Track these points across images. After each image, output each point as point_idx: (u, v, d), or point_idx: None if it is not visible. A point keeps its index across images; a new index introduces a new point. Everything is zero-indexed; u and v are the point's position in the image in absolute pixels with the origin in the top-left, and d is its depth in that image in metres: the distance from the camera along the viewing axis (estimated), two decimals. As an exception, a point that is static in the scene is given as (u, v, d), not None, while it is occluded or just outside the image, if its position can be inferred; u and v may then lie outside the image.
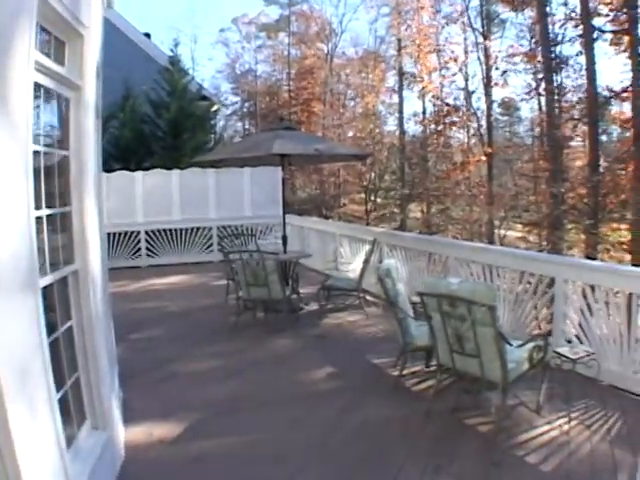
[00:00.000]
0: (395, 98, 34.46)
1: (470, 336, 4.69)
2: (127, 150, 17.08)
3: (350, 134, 34.83)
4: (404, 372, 6.14)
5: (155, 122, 18.01)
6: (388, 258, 9.67)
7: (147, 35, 21.25)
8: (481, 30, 27.85)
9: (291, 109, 36.25)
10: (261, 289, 8.37)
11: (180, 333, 8.62)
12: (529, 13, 25.45)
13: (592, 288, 6.15)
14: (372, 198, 32.38)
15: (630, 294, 5.69)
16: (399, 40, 32.17)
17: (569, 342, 6.36)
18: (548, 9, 23.23)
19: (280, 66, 40.45)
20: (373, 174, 32.13)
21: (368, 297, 9.72)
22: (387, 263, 6.10)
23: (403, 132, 33.33)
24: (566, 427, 4.97)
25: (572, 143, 23.94)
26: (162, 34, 53.23)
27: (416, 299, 7.73)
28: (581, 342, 6.22)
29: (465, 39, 29.00)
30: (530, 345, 5.09)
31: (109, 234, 14.66)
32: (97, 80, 4.49)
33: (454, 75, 28.90)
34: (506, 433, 4.86)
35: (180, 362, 7.22)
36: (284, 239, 10.13)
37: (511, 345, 4.84)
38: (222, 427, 5.36)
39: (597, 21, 21.19)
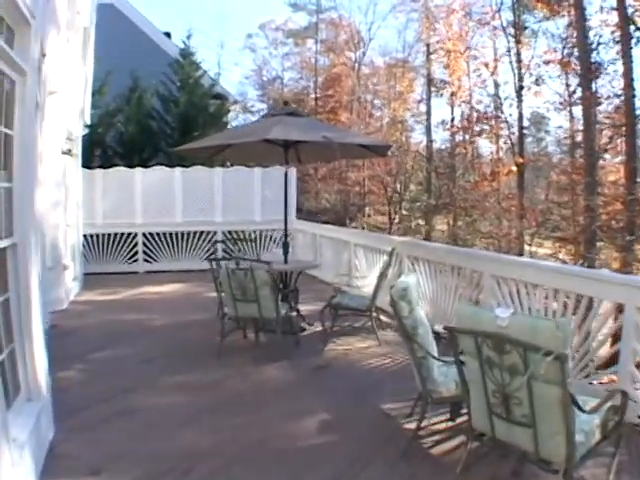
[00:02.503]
0: (423, 107, 33.54)
1: (523, 396, 3.13)
2: (131, 146, 15.79)
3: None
4: (422, 425, 4.52)
5: (163, 118, 16.74)
6: (409, 273, 8.12)
7: (167, 34, 20.09)
8: (513, 34, 26.17)
9: (317, 117, 34.99)
10: (250, 305, 6.87)
11: (154, 354, 7.17)
12: (562, 21, 24.07)
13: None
14: (397, 209, 31.03)
15: None
16: (428, 45, 31.32)
17: None
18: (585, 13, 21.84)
19: (307, 73, 40.03)
20: (398, 184, 30.70)
21: (383, 317, 8.14)
22: (404, 281, 4.38)
23: (431, 141, 32.18)
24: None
25: (605, 156, 22.66)
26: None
27: (441, 328, 6.27)
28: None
29: (495, 43, 27.56)
30: (605, 407, 3.51)
31: (102, 235, 13.38)
32: (39, 72, 4.76)
33: (484, 81, 27.44)
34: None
35: (141, 394, 5.78)
36: (285, 246, 8.64)
37: (583, 411, 3.27)
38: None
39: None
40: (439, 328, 6.27)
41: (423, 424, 4.50)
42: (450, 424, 4.73)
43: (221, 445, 4.61)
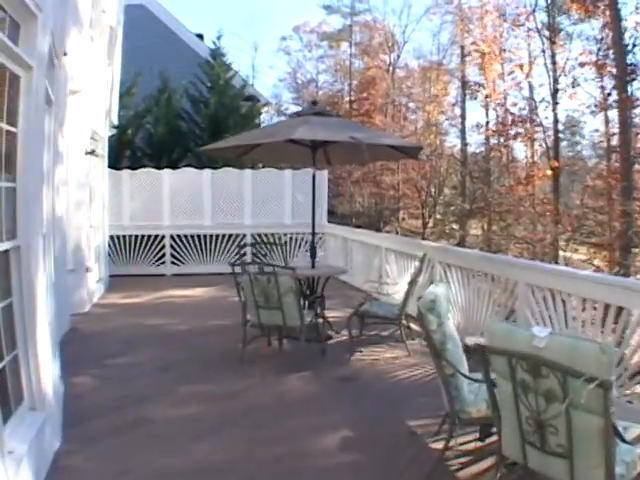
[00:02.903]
0: (457, 110, 33.30)
1: (559, 425, 2.79)
2: (160, 147, 15.65)
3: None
4: (449, 445, 4.17)
5: (193, 119, 16.60)
6: (440, 280, 7.78)
7: (200, 36, 19.99)
8: (548, 35, 25.57)
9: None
10: (273, 313, 6.60)
11: (173, 361, 6.94)
12: (596, 23, 23.48)
13: None
14: (431, 213, 30.81)
15: None
16: (462, 48, 31.14)
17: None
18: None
19: (341, 76, 40.07)
20: (433, 188, 30.38)
21: (413, 326, 7.75)
22: (432, 292, 4.01)
23: (465, 144, 31.85)
24: None
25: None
26: (222, 40, 52.50)
27: (472, 341, 5.91)
28: None
29: (529, 45, 27.03)
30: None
31: (129, 237, 13.23)
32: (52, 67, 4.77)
33: (519, 84, 26.97)
34: None
35: (155, 404, 5.52)
36: (312, 251, 8.32)
37: (625, 441, 2.92)
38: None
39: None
40: (470, 341, 5.92)
41: (450, 444, 4.16)
42: (479, 444, 4.38)
43: (235, 462, 4.34)
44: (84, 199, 9.50)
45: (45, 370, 4.14)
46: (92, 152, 9.89)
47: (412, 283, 7.38)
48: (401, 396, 5.76)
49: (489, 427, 4.12)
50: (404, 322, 7.36)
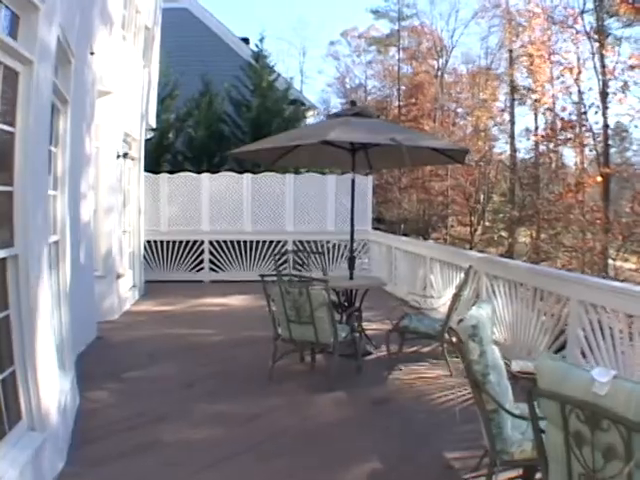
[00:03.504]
0: (506, 116, 32.55)
1: (624, 487, 2.28)
2: (201, 151, 15.38)
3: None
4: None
5: (235, 122, 16.29)
6: (481, 303, 7.22)
7: (245, 40, 19.75)
8: (597, 37, 24.64)
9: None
10: (305, 328, 6.17)
11: (197, 376, 6.55)
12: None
13: None
14: (480, 220, 30.13)
15: None
16: (510, 51, 30.48)
17: None
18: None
19: (390, 81, 39.66)
20: (481, 195, 29.68)
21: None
22: (474, 316, 3.47)
23: (514, 150, 31.00)
24: None
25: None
26: (270, 45, 52.82)
27: (519, 365, 5.37)
28: None
29: (577, 48, 26.02)
30: None
31: (167, 242, 12.98)
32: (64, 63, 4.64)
33: (568, 88, 25.99)
34: None
35: (170, 424, 5.13)
36: (350, 261, 7.84)
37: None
38: None
39: None
40: (517, 366, 5.38)
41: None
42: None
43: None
44: (116, 204, 9.22)
45: (47, 387, 3.87)
46: (124, 155, 9.62)
47: (456, 297, 6.85)
48: (439, 422, 5.24)
49: (534, 469, 3.61)
50: (447, 337, 6.83)
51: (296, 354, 6.89)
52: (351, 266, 7.78)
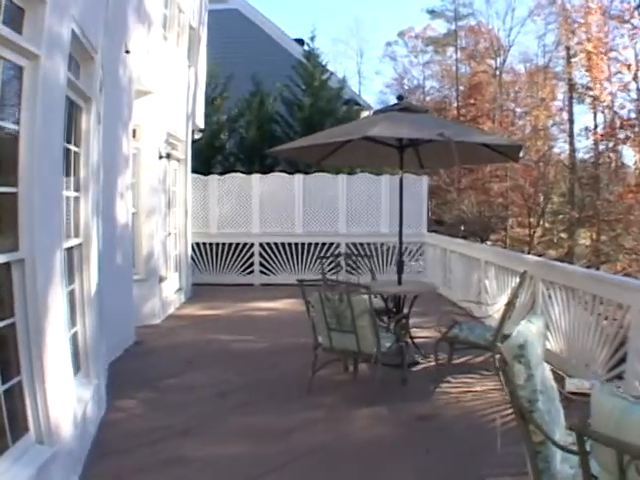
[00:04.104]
0: (565, 115, 31.91)
1: None
2: (252, 152, 15.19)
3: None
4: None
5: (288, 122, 16.07)
6: (531, 317, 6.76)
7: (299, 41, 19.51)
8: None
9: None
10: (346, 337, 5.80)
11: (232, 386, 6.27)
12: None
13: None
14: (539, 222, 29.40)
15: None
16: (568, 49, 29.70)
17: None
18: None
19: (448, 82, 39.26)
20: (541, 195, 29.10)
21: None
22: (522, 333, 2.96)
23: (573, 150, 30.20)
24: None
25: None
26: (326, 46, 52.54)
27: (573, 385, 4.88)
28: None
29: (635, 43, 25.30)
30: None
31: (216, 245, 12.81)
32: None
33: (626, 85, 25.33)
34: None
35: (197, 438, 4.84)
36: (399, 265, 7.44)
37: None
38: None
39: None
40: (571, 385, 4.89)
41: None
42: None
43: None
44: (158, 205, 9.04)
45: (58, 398, 3.66)
46: (167, 156, 9.43)
47: (509, 304, 6.38)
48: (485, 443, 4.74)
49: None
50: (499, 345, 6.35)
51: (339, 363, 6.54)
52: (400, 270, 7.40)
